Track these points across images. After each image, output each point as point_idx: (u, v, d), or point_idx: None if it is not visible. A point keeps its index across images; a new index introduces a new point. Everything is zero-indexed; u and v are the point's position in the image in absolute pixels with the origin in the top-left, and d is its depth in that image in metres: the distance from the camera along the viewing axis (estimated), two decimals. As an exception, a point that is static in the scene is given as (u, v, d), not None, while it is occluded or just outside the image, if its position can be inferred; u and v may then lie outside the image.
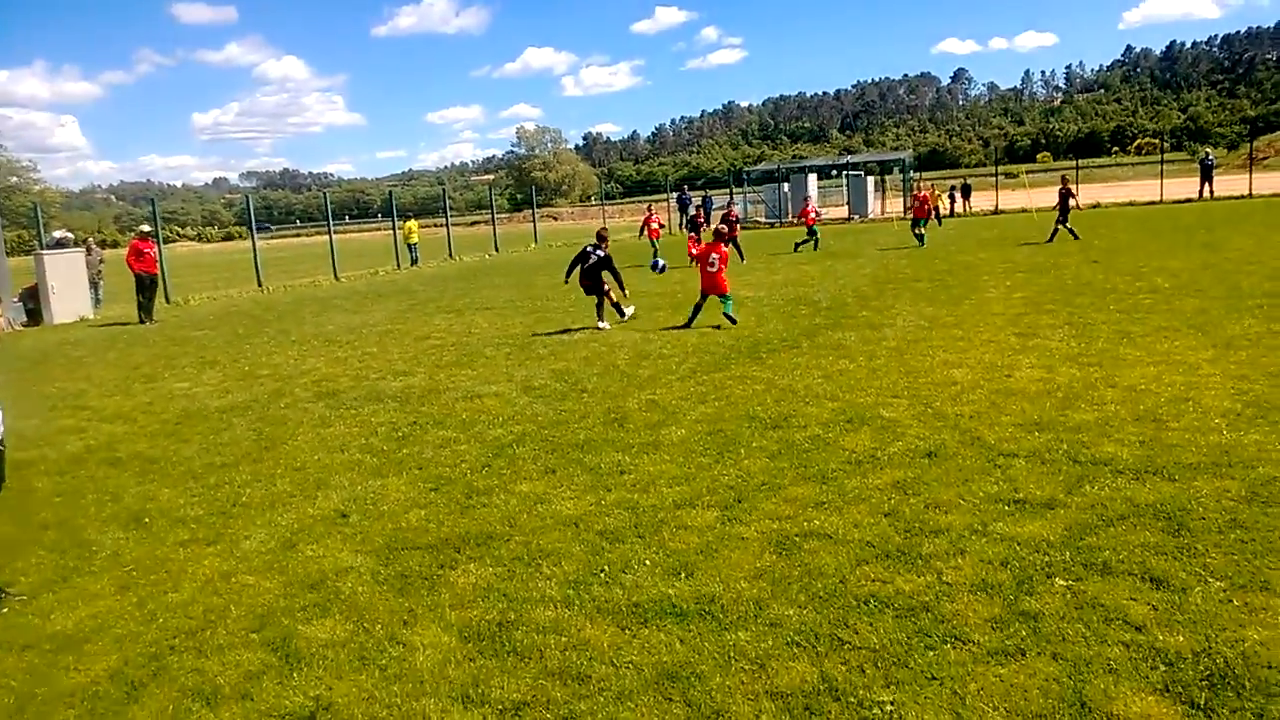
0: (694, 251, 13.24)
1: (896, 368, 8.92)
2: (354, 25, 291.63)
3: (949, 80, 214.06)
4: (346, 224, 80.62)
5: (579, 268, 13.08)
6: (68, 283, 20.38)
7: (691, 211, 28.78)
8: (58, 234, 22.87)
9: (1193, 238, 20.28)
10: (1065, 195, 21.88)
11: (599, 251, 12.88)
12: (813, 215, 26.39)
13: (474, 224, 74.38)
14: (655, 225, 25.50)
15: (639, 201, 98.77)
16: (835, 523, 5.01)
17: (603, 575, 4.59)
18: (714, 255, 12.50)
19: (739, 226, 23.38)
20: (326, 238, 29.91)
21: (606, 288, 13.01)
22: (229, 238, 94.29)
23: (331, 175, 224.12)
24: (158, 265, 19.68)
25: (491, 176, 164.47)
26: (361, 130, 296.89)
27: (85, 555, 5.47)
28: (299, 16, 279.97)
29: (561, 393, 9.03)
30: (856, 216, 40.58)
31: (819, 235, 25.44)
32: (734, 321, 12.29)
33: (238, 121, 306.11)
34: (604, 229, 13.31)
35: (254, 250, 26.54)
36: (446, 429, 7.93)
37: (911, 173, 45.64)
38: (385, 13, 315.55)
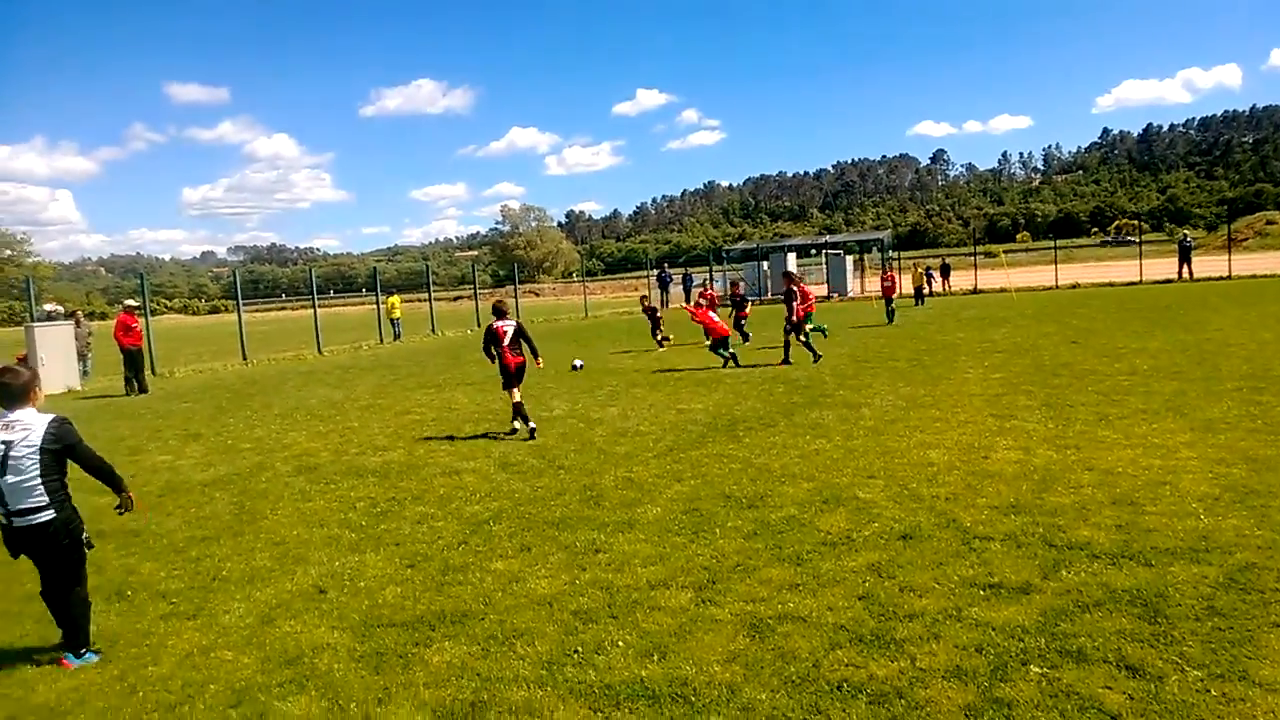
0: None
1: (873, 448, 9.03)
2: (343, 105, 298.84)
3: (928, 161, 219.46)
4: (331, 298, 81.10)
5: (497, 347, 11.17)
6: (57, 355, 20.32)
7: (713, 289, 29.32)
8: (48, 307, 22.95)
9: (1172, 319, 20.64)
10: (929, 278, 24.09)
11: (507, 321, 11.24)
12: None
13: (457, 299, 74.82)
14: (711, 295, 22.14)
15: (621, 278, 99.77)
16: (810, 605, 5.05)
17: (576, 656, 4.60)
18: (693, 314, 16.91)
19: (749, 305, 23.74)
20: (310, 311, 30.03)
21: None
22: (215, 310, 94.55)
23: (317, 250, 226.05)
24: (144, 338, 19.73)
25: (475, 252, 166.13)
26: (348, 206, 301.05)
27: (63, 629, 5.44)
28: (290, 97, 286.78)
29: (538, 469, 9.07)
30: (836, 295, 41.18)
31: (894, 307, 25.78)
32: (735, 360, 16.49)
33: (226, 197, 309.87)
34: (499, 301, 11.85)
35: (239, 324, 26.58)
36: (424, 505, 7.95)
37: (890, 252, 46.49)
38: (372, 94, 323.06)
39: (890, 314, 25.32)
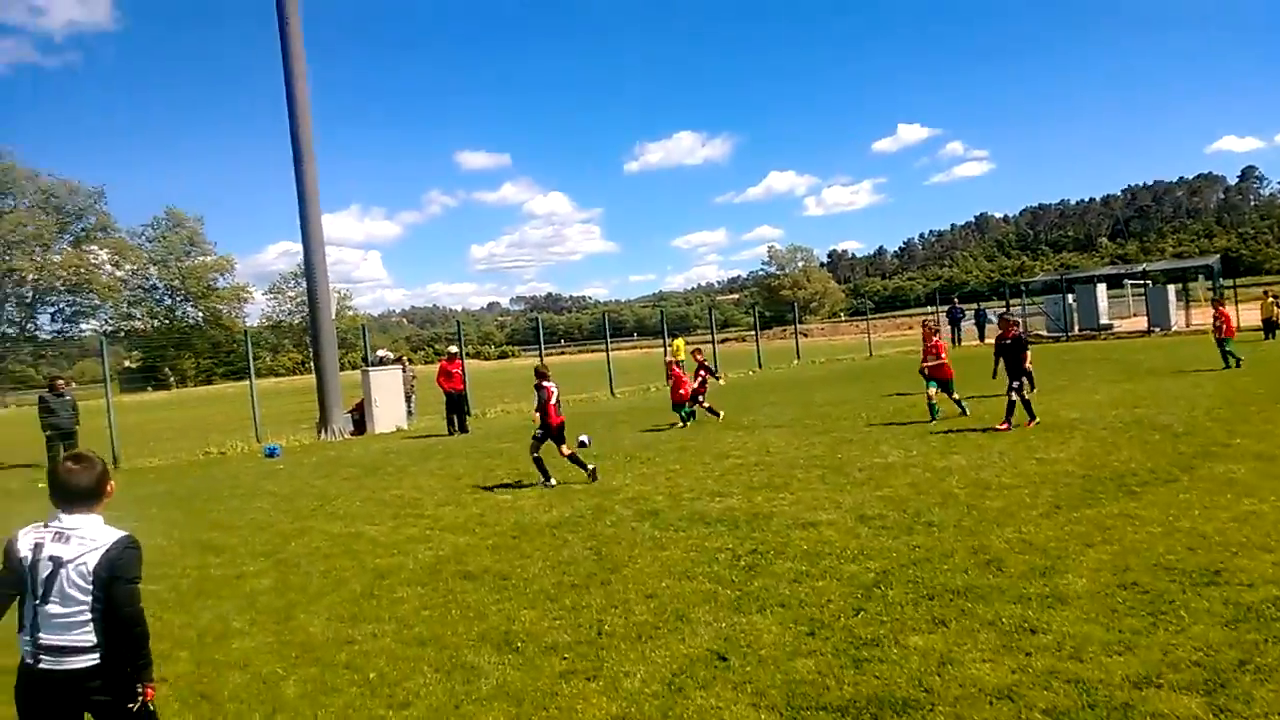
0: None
1: (1330, 512, 7.39)
2: (610, 163, 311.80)
3: (1236, 179, 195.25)
4: (607, 342, 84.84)
5: (545, 407, 11.93)
6: (388, 397, 22.16)
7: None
8: (380, 352, 25.13)
9: None
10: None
11: (552, 383, 12.00)
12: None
13: (724, 341, 75.24)
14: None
15: (890, 317, 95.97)
16: (1385, 726, 3.87)
17: (1084, 772, 3.74)
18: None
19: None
20: (587, 355, 31.01)
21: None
22: (503, 355, 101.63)
23: (589, 298, 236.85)
24: (463, 383, 21.00)
25: (736, 295, 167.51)
26: (615, 256, 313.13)
27: (470, 680, 5.31)
28: (563, 159, 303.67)
29: (904, 525, 8.22)
30: (1158, 329, 36.89)
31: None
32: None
33: (508, 252, 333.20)
34: (542, 364, 12.53)
35: (539, 367, 27.72)
36: (791, 560, 7.35)
37: (1221, 280, 40.89)
38: (636, 150, 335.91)
39: (1226, 358, 20.23)
